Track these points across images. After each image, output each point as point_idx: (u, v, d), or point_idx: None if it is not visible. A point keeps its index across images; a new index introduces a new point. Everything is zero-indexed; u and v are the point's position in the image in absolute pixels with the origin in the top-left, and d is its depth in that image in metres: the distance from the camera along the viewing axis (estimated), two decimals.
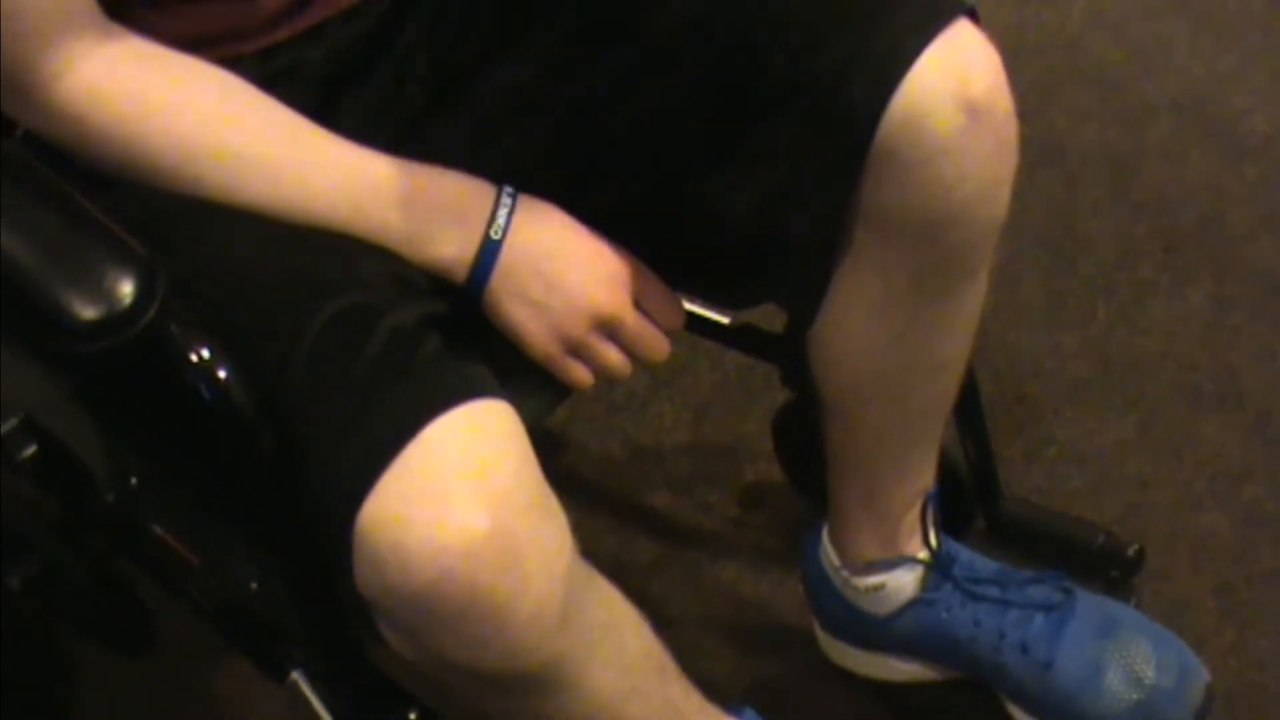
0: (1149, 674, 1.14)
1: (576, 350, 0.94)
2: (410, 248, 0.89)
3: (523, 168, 0.95)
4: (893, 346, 1.03)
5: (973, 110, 0.89)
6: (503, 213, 0.91)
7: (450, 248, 0.90)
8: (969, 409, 1.25)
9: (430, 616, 0.75)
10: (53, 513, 1.02)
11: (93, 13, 0.85)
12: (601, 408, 1.58)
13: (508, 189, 0.92)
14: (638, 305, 0.96)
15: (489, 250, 0.90)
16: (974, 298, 1.03)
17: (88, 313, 0.66)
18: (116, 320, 0.67)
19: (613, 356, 0.95)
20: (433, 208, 0.90)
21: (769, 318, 1.23)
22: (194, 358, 0.69)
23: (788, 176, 0.92)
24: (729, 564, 1.43)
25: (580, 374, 0.95)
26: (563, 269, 0.92)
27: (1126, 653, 1.15)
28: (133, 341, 0.67)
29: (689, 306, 1.30)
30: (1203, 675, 1.17)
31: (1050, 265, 1.69)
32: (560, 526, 0.81)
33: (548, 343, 0.93)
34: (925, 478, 1.14)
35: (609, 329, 0.94)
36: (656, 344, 0.97)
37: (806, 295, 1.00)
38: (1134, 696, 1.14)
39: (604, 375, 0.96)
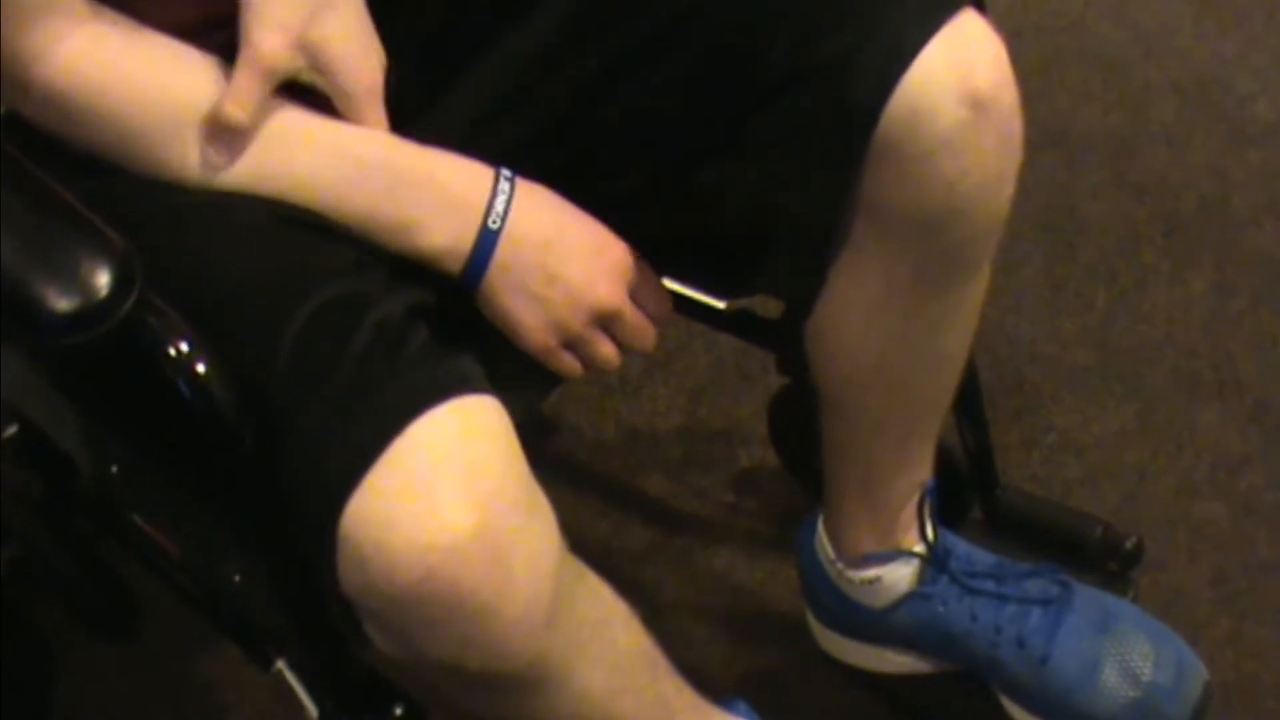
0: (1147, 671, 1.13)
1: (571, 342, 0.91)
2: (399, 236, 0.86)
3: (520, 153, 0.93)
4: (892, 341, 1.01)
5: (977, 104, 0.87)
6: (500, 200, 0.87)
7: (443, 237, 0.86)
8: (968, 398, 1.24)
9: (415, 617, 0.74)
10: (35, 497, 1.01)
11: None
12: (595, 390, 1.56)
13: (505, 172, 0.89)
14: (630, 295, 0.94)
15: (486, 241, 0.87)
16: (976, 292, 1.02)
17: (62, 305, 0.65)
18: (92, 313, 0.65)
19: (607, 348, 0.93)
20: (424, 193, 0.87)
21: (765, 302, 1.22)
22: (172, 351, 0.68)
23: (788, 167, 0.91)
24: (722, 551, 1.42)
25: (573, 365, 0.93)
26: (564, 261, 0.89)
27: (1124, 649, 1.14)
28: (109, 334, 0.65)
29: (686, 291, 1.30)
30: (1201, 672, 1.16)
31: (1050, 250, 1.68)
32: (548, 524, 0.79)
33: (545, 336, 0.90)
34: (923, 470, 1.13)
35: (606, 322, 0.92)
36: (648, 334, 0.95)
37: (803, 288, 0.99)
38: (1131, 693, 1.13)
39: (597, 366, 0.93)
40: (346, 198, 0.85)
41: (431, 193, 0.87)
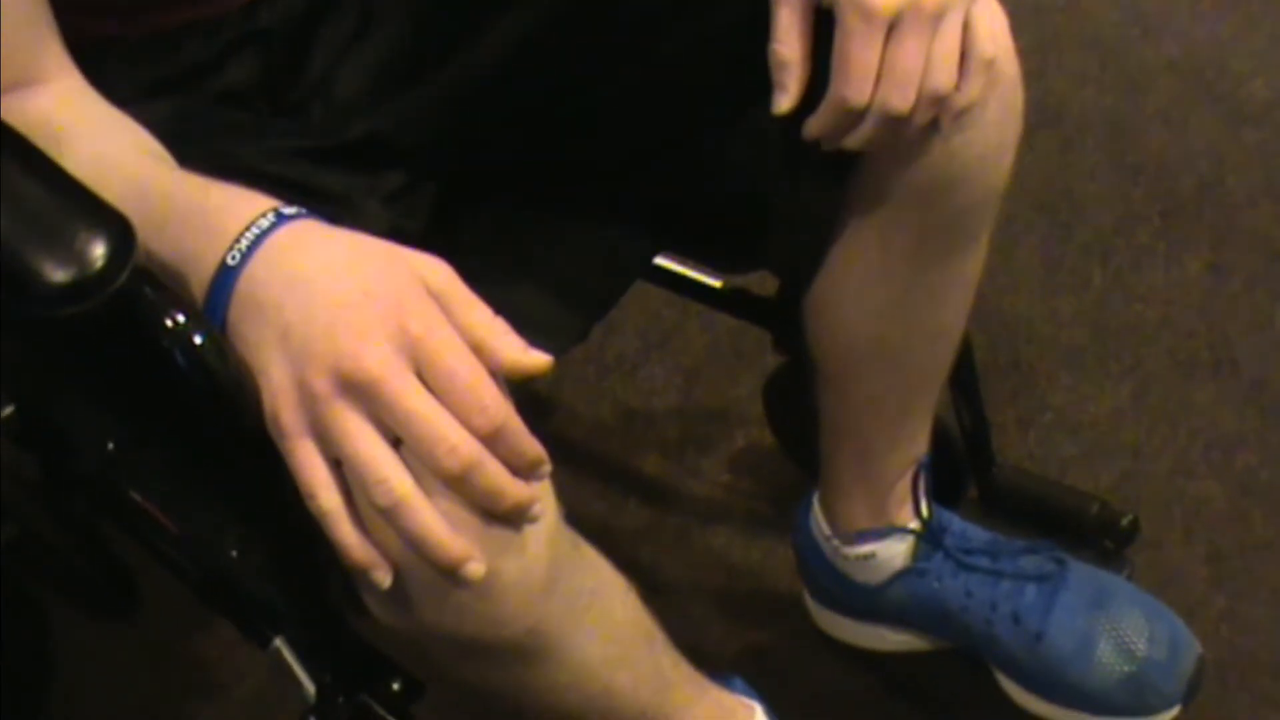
0: (1141, 646, 1.14)
1: (321, 426, 0.68)
2: (178, 281, 0.72)
3: (517, 122, 0.92)
4: (890, 312, 1.02)
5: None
6: (250, 235, 0.69)
7: (197, 276, 0.71)
8: (964, 376, 1.24)
9: (413, 582, 0.74)
10: (32, 476, 1.01)
11: (57, 56, 0.80)
12: (591, 371, 1.57)
13: (286, 209, 0.71)
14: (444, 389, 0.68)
15: (223, 279, 0.69)
16: (974, 264, 1.02)
17: (58, 276, 0.65)
18: (87, 284, 0.65)
19: (361, 442, 0.67)
20: (192, 223, 0.72)
21: (761, 281, 1.22)
22: (169, 323, 0.67)
23: (791, 139, 0.90)
24: (719, 530, 1.43)
25: (310, 467, 0.68)
26: (303, 307, 0.68)
27: (1118, 625, 1.14)
28: (105, 306, 0.65)
29: (683, 269, 1.30)
30: (1195, 648, 1.16)
31: (1046, 230, 1.68)
32: (545, 491, 0.79)
33: (281, 408, 0.68)
34: (918, 446, 1.13)
35: (365, 397, 0.67)
36: (434, 428, 0.66)
37: (803, 262, 0.99)
38: (1125, 669, 1.13)
39: (352, 469, 0.68)
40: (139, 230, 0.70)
41: (199, 221, 0.72)
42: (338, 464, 0.69)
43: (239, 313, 0.69)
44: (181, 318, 0.68)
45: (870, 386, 1.08)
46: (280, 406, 0.68)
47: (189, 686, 1.34)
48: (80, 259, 0.65)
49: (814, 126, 0.87)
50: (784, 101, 0.85)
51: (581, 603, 0.84)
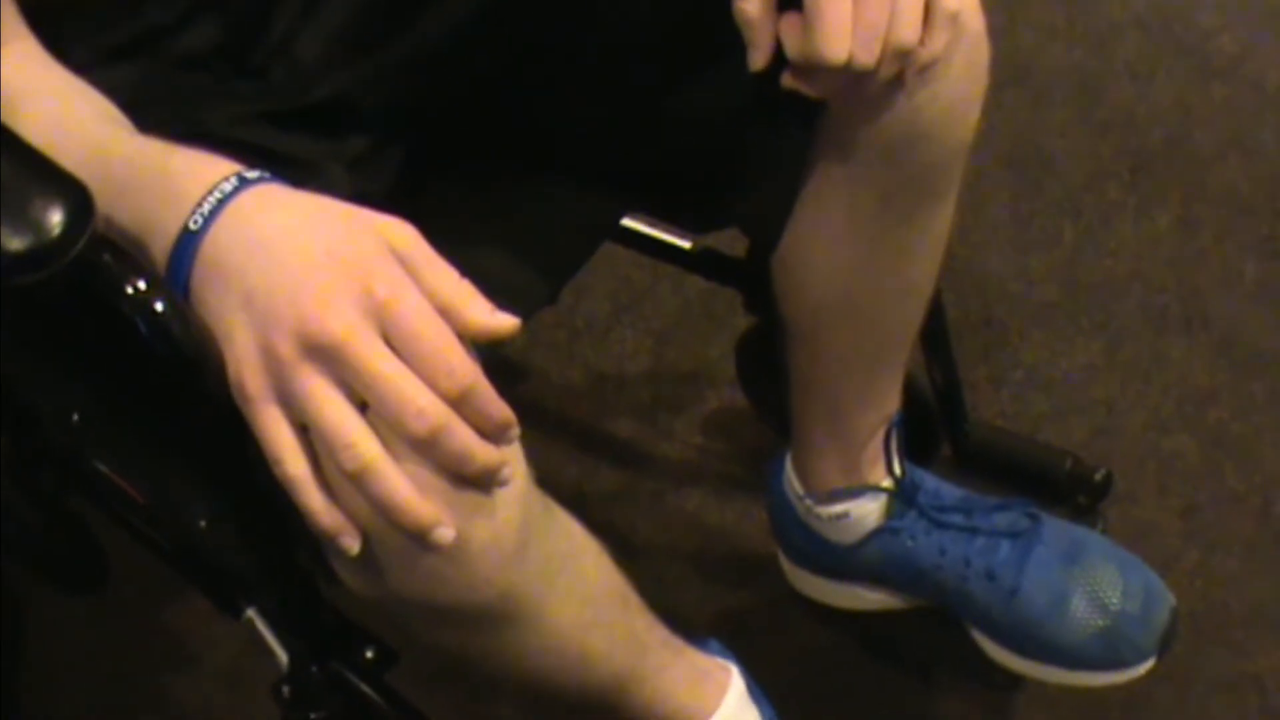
0: (1114, 600, 1.14)
1: (286, 393, 0.67)
2: (139, 248, 0.70)
3: (486, 84, 0.92)
4: (858, 269, 1.02)
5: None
6: (212, 199, 0.68)
7: (159, 242, 0.70)
8: (936, 335, 1.24)
9: (383, 548, 0.73)
10: None
11: (11, 20, 0.79)
12: (562, 335, 1.56)
13: (249, 173, 0.70)
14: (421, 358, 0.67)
15: (184, 244, 0.68)
16: (941, 221, 1.02)
17: (14, 244, 0.64)
18: (44, 252, 0.64)
19: (327, 406, 0.66)
20: (154, 187, 0.71)
21: (731, 242, 1.22)
22: (130, 290, 0.67)
23: (755, 93, 0.90)
24: (693, 493, 1.43)
25: (276, 432, 0.68)
26: (266, 272, 0.67)
27: (1092, 579, 1.14)
28: (63, 273, 0.64)
29: (652, 231, 1.29)
30: (1168, 600, 1.16)
31: (1016, 187, 1.67)
32: (515, 454, 0.78)
33: (244, 375, 0.67)
34: (890, 403, 1.13)
35: (332, 361, 0.66)
36: (408, 395, 0.66)
37: (772, 217, 0.98)
38: (1099, 622, 1.14)
39: (318, 434, 0.67)
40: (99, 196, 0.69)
41: (160, 186, 0.71)
42: (304, 429, 0.68)
43: (202, 278, 0.68)
44: (143, 284, 0.67)
45: (840, 344, 1.08)
46: (245, 372, 0.67)
47: (162, 658, 1.34)
48: (37, 227, 0.64)
49: (788, 79, 0.86)
50: (759, 58, 0.85)
51: (554, 566, 0.83)
